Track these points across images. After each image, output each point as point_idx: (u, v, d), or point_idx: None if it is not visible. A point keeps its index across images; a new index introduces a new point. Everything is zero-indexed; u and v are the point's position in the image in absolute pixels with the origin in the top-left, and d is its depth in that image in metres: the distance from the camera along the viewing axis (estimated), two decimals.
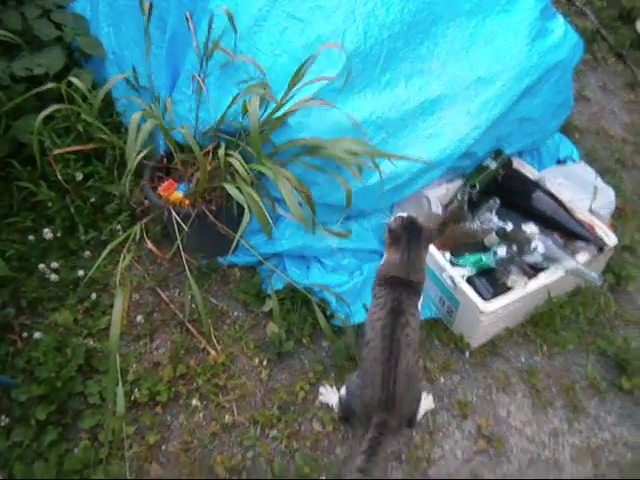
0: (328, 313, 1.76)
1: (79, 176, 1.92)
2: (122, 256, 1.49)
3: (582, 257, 1.72)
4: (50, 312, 1.78)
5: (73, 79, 1.72)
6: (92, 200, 1.96)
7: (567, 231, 1.79)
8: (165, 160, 1.83)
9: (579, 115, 2.67)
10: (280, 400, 1.61)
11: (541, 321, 1.79)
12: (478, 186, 1.88)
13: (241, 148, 1.60)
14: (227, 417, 1.57)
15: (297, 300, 1.79)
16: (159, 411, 1.57)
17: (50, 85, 1.68)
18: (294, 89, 1.48)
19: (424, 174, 1.75)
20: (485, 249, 1.76)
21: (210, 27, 1.58)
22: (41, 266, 1.82)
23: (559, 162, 2.20)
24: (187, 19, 1.66)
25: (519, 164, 2.03)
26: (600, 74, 2.96)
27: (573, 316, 1.81)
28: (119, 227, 1.95)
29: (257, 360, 1.71)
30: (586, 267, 1.65)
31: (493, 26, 1.76)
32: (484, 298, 1.63)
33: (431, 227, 1.48)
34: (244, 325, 1.80)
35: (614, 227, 1.99)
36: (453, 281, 1.66)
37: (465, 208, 1.86)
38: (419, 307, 1.43)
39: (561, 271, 1.66)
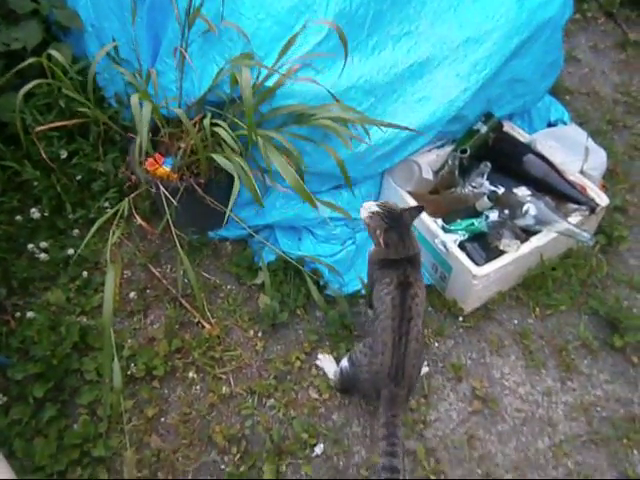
0: (321, 283, 1.76)
1: (64, 154, 1.89)
2: (111, 232, 1.47)
3: (574, 219, 1.72)
4: (42, 292, 1.77)
5: (53, 52, 1.67)
6: (78, 178, 1.93)
7: (559, 193, 1.79)
8: (150, 134, 1.79)
9: (569, 76, 2.65)
10: (276, 370, 1.62)
11: (533, 284, 1.80)
12: (469, 150, 1.86)
13: (229, 121, 1.57)
14: (224, 388, 1.58)
15: (289, 271, 1.79)
16: (156, 385, 1.58)
17: (31, 60, 1.63)
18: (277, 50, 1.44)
19: (414, 140, 1.73)
20: (477, 214, 1.75)
21: None
22: (30, 246, 1.81)
23: (550, 125, 2.19)
24: None
25: (510, 127, 2.01)
26: (590, 34, 2.93)
27: (565, 278, 1.82)
28: (107, 204, 1.92)
29: (252, 332, 1.72)
30: (578, 228, 1.65)
31: None
32: (477, 263, 1.63)
33: (410, 207, 1.46)
34: (237, 298, 1.79)
35: (605, 188, 1.99)
36: (445, 247, 1.65)
37: (456, 173, 1.85)
38: (422, 276, 1.44)
39: (553, 233, 1.66)
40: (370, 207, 1.43)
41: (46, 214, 1.89)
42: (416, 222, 1.71)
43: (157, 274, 1.84)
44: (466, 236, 1.72)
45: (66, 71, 1.72)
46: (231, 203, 1.43)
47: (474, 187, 1.78)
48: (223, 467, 1.44)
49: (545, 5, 1.74)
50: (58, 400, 1.52)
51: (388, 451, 1.27)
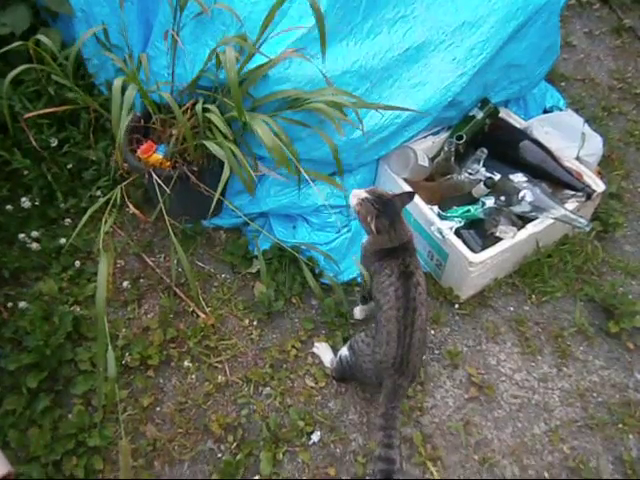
0: (317, 271, 1.75)
1: (54, 142, 1.86)
2: (104, 220, 1.44)
3: (570, 205, 1.71)
4: (34, 282, 1.75)
5: (41, 37, 1.63)
6: (69, 167, 1.91)
7: (555, 180, 1.78)
8: (142, 121, 1.77)
9: (565, 63, 2.63)
10: (272, 359, 1.61)
11: (529, 271, 1.80)
12: (465, 137, 1.84)
13: (218, 102, 1.54)
14: (220, 377, 1.57)
15: (285, 260, 1.77)
16: (151, 374, 1.57)
17: (17, 43, 1.60)
18: (270, 36, 1.41)
19: (410, 126, 1.71)
20: (473, 200, 1.74)
21: None
22: (21, 236, 1.78)
23: (545, 111, 2.17)
24: None
25: (506, 114, 2.00)
26: (585, 20, 2.90)
27: (561, 265, 1.82)
28: (99, 193, 1.90)
29: (247, 321, 1.70)
30: (575, 214, 1.65)
31: None
32: (473, 250, 1.62)
33: (401, 192, 1.45)
34: (232, 287, 1.78)
35: (600, 175, 1.99)
36: (441, 234, 1.64)
37: (452, 160, 1.83)
38: (419, 262, 1.44)
39: (550, 219, 1.65)
40: (359, 194, 1.41)
41: (37, 203, 1.86)
42: (412, 209, 1.72)
43: (150, 263, 1.83)
44: (462, 223, 1.71)
45: (55, 57, 1.69)
46: (220, 187, 1.41)
47: (470, 174, 1.77)
48: (220, 455, 1.43)
49: None
50: (52, 390, 1.51)
51: (385, 442, 1.28)
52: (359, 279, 1.75)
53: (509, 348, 1.66)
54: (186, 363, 1.59)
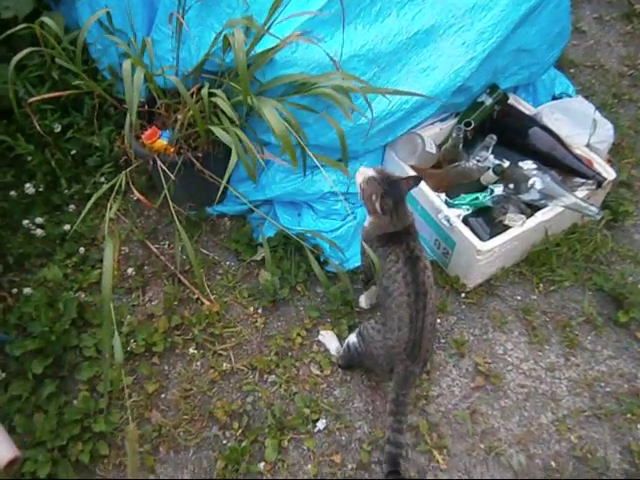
0: (322, 259, 1.73)
1: (57, 128, 1.85)
2: (109, 205, 1.43)
3: (580, 193, 1.68)
4: (38, 268, 1.74)
5: (46, 19, 1.61)
6: (73, 153, 1.89)
7: (565, 167, 1.75)
8: (146, 106, 1.75)
9: (574, 49, 2.59)
10: (277, 346, 1.60)
11: (537, 260, 1.77)
12: (473, 123, 1.82)
13: (224, 86, 1.52)
14: (225, 365, 1.56)
15: (290, 247, 1.76)
16: (156, 361, 1.57)
17: (22, 26, 1.58)
18: (278, 19, 1.38)
19: (418, 112, 1.69)
20: (481, 188, 1.72)
21: None
22: (25, 222, 1.77)
23: (554, 98, 2.14)
24: None
25: (515, 100, 1.97)
26: (595, 5, 2.85)
27: (569, 253, 1.80)
28: (103, 179, 1.88)
29: (252, 308, 1.69)
30: (585, 202, 1.62)
31: None
32: (481, 238, 1.60)
33: (408, 176, 1.44)
34: (237, 274, 1.77)
35: (610, 162, 1.95)
36: (449, 222, 1.62)
37: (460, 147, 1.80)
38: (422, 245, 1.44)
39: (560, 207, 1.63)
40: (366, 172, 1.41)
41: (41, 189, 1.85)
42: (419, 197, 1.70)
43: (155, 250, 1.82)
44: (470, 211, 1.68)
45: (59, 40, 1.66)
46: (227, 174, 1.39)
47: (479, 161, 1.74)
48: (225, 442, 1.43)
49: None
50: (57, 376, 1.50)
51: (395, 427, 1.32)
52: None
53: (516, 337, 1.65)
54: (191, 350, 1.59)
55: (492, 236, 1.62)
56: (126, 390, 1.47)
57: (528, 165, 1.68)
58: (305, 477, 1.38)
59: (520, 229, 1.63)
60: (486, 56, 1.65)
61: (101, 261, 1.27)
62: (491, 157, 1.75)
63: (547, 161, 1.74)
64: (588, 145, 1.84)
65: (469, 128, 1.81)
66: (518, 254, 1.76)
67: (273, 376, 1.55)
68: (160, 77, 1.57)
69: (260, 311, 1.69)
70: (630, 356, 1.61)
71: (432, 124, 1.86)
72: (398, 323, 1.33)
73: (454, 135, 1.80)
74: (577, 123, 1.87)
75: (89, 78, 1.73)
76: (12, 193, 1.83)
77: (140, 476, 1.36)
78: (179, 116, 1.60)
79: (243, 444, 1.41)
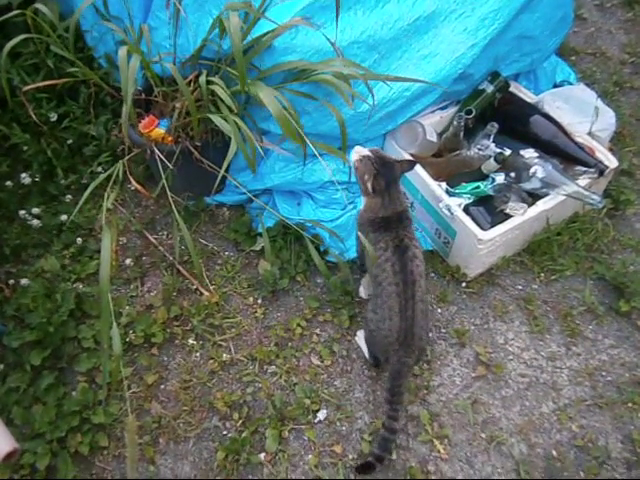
0: (322, 249, 1.72)
1: (53, 117, 1.82)
2: (106, 195, 1.41)
3: (582, 181, 1.67)
4: (35, 259, 1.72)
5: (40, 5, 1.58)
6: (69, 142, 1.87)
7: (567, 155, 1.73)
8: (143, 95, 1.72)
9: (575, 36, 2.56)
10: (277, 337, 1.59)
11: (538, 249, 1.76)
12: (474, 111, 1.79)
13: (222, 73, 1.49)
14: (225, 355, 1.55)
15: (289, 237, 1.75)
16: (155, 352, 1.56)
17: (15, 12, 1.55)
18: (275, 2, 1.35)
19: (419, 99, 1.66)
20: (482, 177, 1.70)
21: None
22: (22, 212, 1.76)
23: (555, 86, 2.11)
24: None
25: (516, 88, 1.94)
26: None
27: (571, 243, 1.79)
28: (100, 169, 1.86)
29: (251, 299, 1.68)
30: (587, 190, 1.61)
31: None
32: (482, 227, 1.59)
33: (403, 159, 1.44)
34: (236, 265, 1.76)
35: (612, 151, 1.94)
36: (450, 211, 1.61)
37: (461, 135, 1.79)
38: (415, 232, 1.43)
39: (562, 195, 1.62)
40: (361, 151, 1.42)
41: (37, 179, 1.83)
42: (420, 186, 1.69)
43: (153, 241, 1.80)
44: (471, 200, 1.67)
45: (54, 28, 1.63)
46: (226, 163, 1.37)
47: (480, 149, 1.73)
48: (225, 433, 1.42)
49: None
50: (56, 368, 1.49)
51: (390, 414, 1.33)
52: None
53: (517, 327, 1.64)
54: (190, 341, 1.58)
55: (493, 225, 1.60)
56: (125, 381, 1.46)
57: (529, 153, 1.67)
58: (306, 467, 1.37)
59: (521, 218, 1.61)
60: (487, 43, 1.63)
61: (99, 252, 1.26)
62: (492, 145, 1.73)
63: (548, 149, 1.72)
64: (590, 133, 1.82)
65: (470, 116, 1.79)
66: (519, 243, 1.74)
67: (273, 367, 1.54)
68: (157, 64, 1.55)
69: (260, 301, 1.68)
70: (631, 345, 1.60)
71: (433, 112, 1.84)
72: (389, 313, 1.33)
73: (455, 123, 1.78)
74: (579, 111, 1.85)
75: (85, 66, 1.70)
76: (8, 183, 1.81)
77: (140, 467, 1.36)
78: (177, 104, 1.58)
79: (243, 435, 1.41)
